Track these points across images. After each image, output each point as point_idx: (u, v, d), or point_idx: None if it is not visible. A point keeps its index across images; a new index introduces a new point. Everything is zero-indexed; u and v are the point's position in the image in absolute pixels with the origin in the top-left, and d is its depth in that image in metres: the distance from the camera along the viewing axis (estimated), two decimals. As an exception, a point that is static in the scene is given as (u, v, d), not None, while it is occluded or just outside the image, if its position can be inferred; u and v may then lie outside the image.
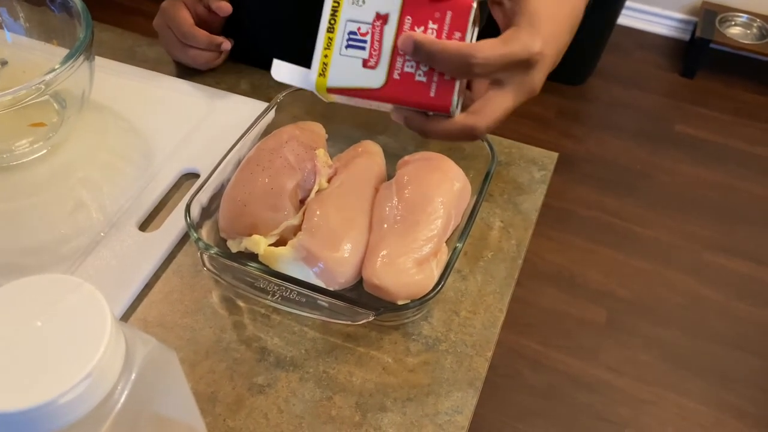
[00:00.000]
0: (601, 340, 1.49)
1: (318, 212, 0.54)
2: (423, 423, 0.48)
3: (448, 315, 0.54)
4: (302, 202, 0.56)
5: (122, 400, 0.29)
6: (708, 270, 1.64)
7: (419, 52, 0.43)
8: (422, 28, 0.44)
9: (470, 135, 0.45)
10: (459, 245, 0.51)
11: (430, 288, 0.50)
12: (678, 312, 1.55)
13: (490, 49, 0.42)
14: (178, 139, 0.65)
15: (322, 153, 0.59)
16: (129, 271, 0.55)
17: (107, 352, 0.27)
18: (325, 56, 0.46)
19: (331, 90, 0.46)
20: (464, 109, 0.46)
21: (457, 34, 0.44)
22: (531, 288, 1.58)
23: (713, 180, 1.87)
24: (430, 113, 0.46)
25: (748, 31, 2.14)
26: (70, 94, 0.61)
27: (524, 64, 0.43)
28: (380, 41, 0.45)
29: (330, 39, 0.46)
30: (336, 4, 0.45)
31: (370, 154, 0.61)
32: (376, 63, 0.45)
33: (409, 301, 0.50)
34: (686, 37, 2.27)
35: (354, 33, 0.45)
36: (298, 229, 0.54)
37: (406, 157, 0.60)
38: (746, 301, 1.58)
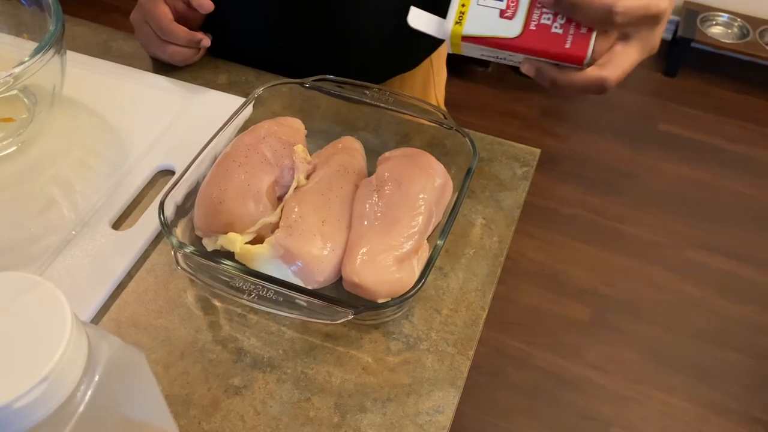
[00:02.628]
0: (584, 338, 1.49)
1: (296, 209, 0.53)
2: (403, 423, 0.47)
3: (429, 313, 0.53)
4: (280, 199, 0.55)
5: (85, 403, 0.28)
6: (690, 267, 1.65)
7: (561, 2, 0.44)
8: None
9: (600, 87, 0.46)
10: (440, 242, 0.50)
11: (411, 286, 0.49)
12: (661, 309, 1.56)
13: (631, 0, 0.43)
14: (153, 136, 0.64)
15: (300, 149, 0.58)
16: (101, 271, 0.53)
17: (67, 353, 0.26)
18: (463, 5, 0.47)
19: (466, 38, 0.47)
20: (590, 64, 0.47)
21: None
22: (514, 286, 1.58)
23: (696, 178, 1.88)
24: (561, 65, 0.46)
25: (729, 31, 2.15)
26: (40, 89, 0.60)
27: (653, 20, 0.45)
28: None
29: None
30: None
31: (350, 151, 0.60)
32: (513, 14, 0.46)
33: (389, 299, 0.50)
34: (668, 36, 2.28)
35: None
36: (275, 226, 0.53)
37: (387, 154, 0.59)
38: (728, 298, 1.59)
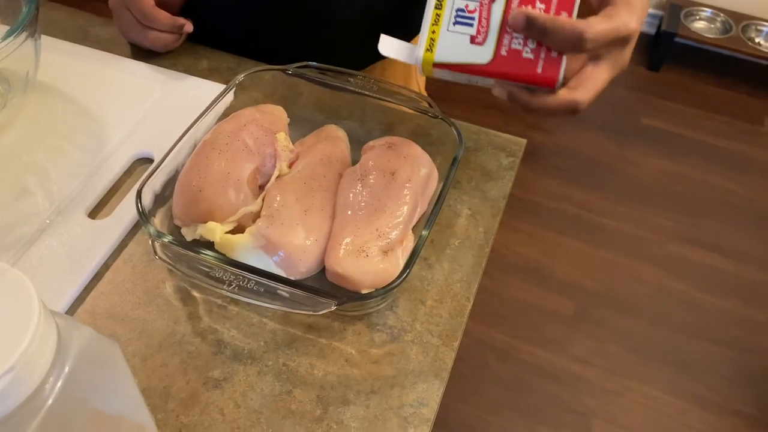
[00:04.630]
0: (568, 332, 1.50)
1: (278, 198, 0.52)
2: (387, 416, 0.46)
3: (413, 304, 0.52)
4: (262, 188, 0.54)
5: (54, 395, 0.27)
6: (673, 261, 1.66)
7: (532, 28, 0.44)
8: (530, 6, 0.45)
9: (572, 109, 0.47)
10: (425, 233, 0.50)
11: (395, 276, 0.48)
12: (644, 303, 1.57)
13: (600, 25, 0.43)
14: (132, 123, 0.62)
15: (283, 137, 0.56)
16: (77, 261, 0.52)
17: (34, 343, 0.25)
18: (433, 32, 0.46)
19: (438, 65, 0.47)
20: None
21: (564, 13, 0.45)
22: (499, 279, 1.57)
23: (678, 172, 1.89)
24: (534, 89, 0.47)
25: (712, 26, 2.17)
26: (13, 74, 0.58)
27: (623, 41, 0.46)
28: (488, 18, 0.46)
29: (438, 15, 0.46)
30: None
31: (334, 139, 0.59)
32: (484, 39, 0.46)
33: (373, 290, 0.49)
34: (652, 31, 2.29)
35: (462, 10, 0.46)
36: (257, 216, 0.52)
37: (371, 142, 0.58)
38: (710, 292, 1.60)
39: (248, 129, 0.55)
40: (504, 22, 0.45)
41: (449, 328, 0.51)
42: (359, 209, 0.52)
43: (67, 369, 0.27)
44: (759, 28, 2.13)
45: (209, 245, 0.51)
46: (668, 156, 1.93)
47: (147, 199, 0.50)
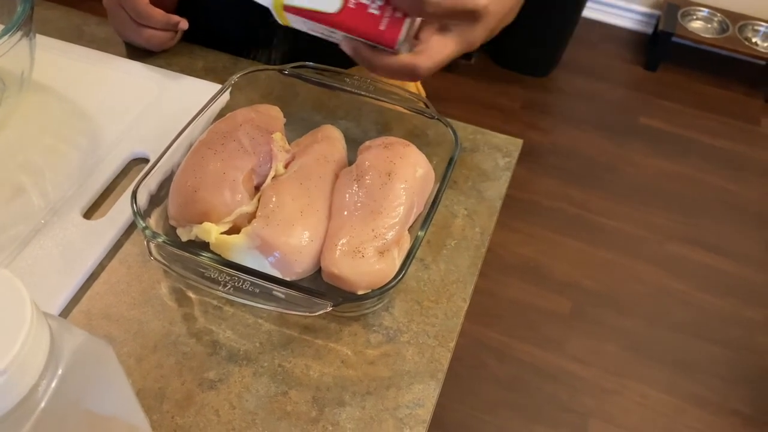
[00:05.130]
0: (565, 331, 1.50)
1: (274, 198, 0.51)
2: (383, 417, 0.46)
3: (409, 305, 0.52)
4: (257, 188, 0.54)
5: (47, 398, 0.27)
6: (671, 261, 1.66)
7: None
8: None
9: (411, 74, 0.48)
10: (421, 233, 0.49)
11: (392, 277, 0.47)
12: (641, 302, 1.57)
13: None
14: (127, 123, 0.62)
15: (279, 137, 0.56)
16: (72, 261, 0.51)
17: (26, 346, 0.25)
18: None
19: (288, 8, 0.48)
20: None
21: None
22: (496, 279, 1.57)
23: (676, 172, 1.89)
24: (378, 47, 0.48)
25: (709, 25, 2.17)
26: (8, 73, 0.58)
27: (470, 15, 0.47)
28: None
29: None
30: None
31: (330, 139, 0.59)
32: None
33: (369, 290, 0.48)
34: (649, 30, 2.29)
35: None
36: (252, 216, 0.52)
37: (368, 143, 0.58)
38: (708, 292, 1.60)
39: (244, 129, 0.55)
40: None
41: (445, 329, 0.51)
42: (355, 210, 0.52)
43: (60, 371, 0.27)
44: (756, 28, 2.13)
45: (205, 246, 0.50)
46: (666, 156, 1.93)
47: (142, 200, 0.50)
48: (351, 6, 0.47)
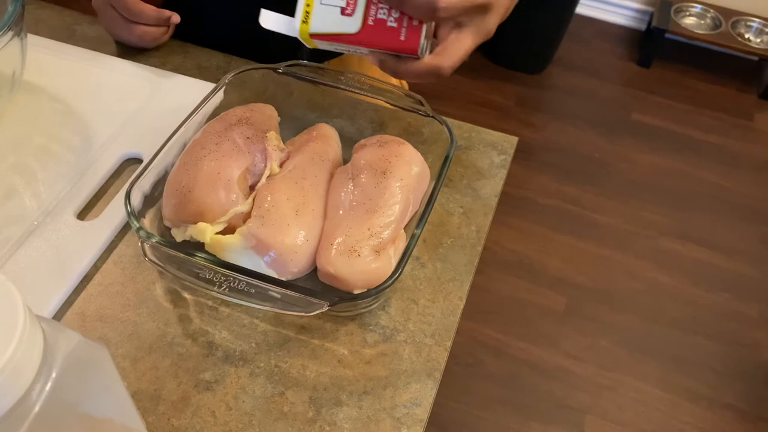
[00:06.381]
0: (560, 328, 1.50)
1: (269, 198, 0.51)
2: (380, 417, 0.46)
3: (406, 304, 0.52)
4: (252, 187, 0.53)
5: (41, 401, 0.26)
6: (664, 256, 1.66)
7: None
8: None
9: (436, 74, 0.50)
10: (417, 232, 0.49)
11: (388, 276, 0.47)
12: (635, 298, 1.57)
13: None
14: (120, 123, 0.61)
15: (273, 136, 0.56)
16: (65, 263, 0.51)
17: (19, 349, 0.24)
18: (308, 5, 0.50)
19: (314, 36, 0.50)
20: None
21: None
22: (491, 276, 1.57)
23: (669, 168, 1.89)
24: (402, 56, 0.50)
25: (702, 22, 2.17)
26: (-1, 73, 0.57)
27: (482, 8, 0.49)
28: None
29: None
30: None
31: (325, 138, 0.59)
32: (353, 11, 0.49)
33: (365, 290, 0.48)
34: (643, 26, 2.29)
35: None
36: (247, 216, 0.51)
37: (363, 141, 0.58)
38: (700, 287, 1.60)
39: (238, 128, 0.55)
40: None
41: (442, 328, 0.51)
42: (351, 208, 0.51)
43: (54, 374, 0.27)
44: (748, 23, 2.14)
45: (199, 246, 0.50)
46: (659, 151, 1.93)
47: (136, 200, 0.50)
48: (370, 24, 0.49)
